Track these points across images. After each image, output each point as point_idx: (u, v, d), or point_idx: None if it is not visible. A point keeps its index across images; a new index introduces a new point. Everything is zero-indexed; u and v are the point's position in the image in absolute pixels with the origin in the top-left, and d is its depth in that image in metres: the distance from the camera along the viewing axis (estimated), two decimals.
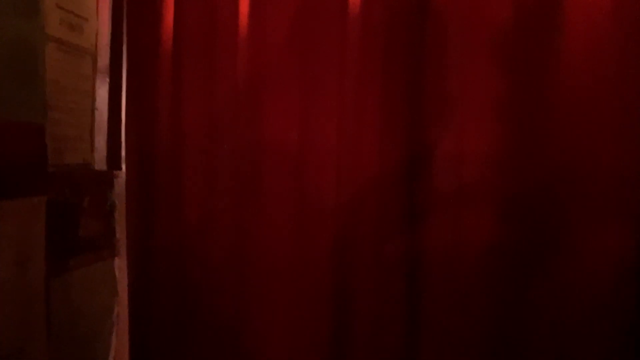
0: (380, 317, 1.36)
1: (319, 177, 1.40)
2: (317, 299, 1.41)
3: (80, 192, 1.32)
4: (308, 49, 1.42)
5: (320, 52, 1.41)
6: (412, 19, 1.34)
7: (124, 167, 1.51)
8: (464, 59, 1.31)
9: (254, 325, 1.46)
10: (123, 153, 1.51)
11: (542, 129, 1.27)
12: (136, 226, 1.52)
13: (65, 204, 1.25)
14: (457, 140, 1.32)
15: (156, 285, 1.52)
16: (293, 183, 1.42)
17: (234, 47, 1.45)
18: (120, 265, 1.48)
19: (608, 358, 1.22)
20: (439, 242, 1.32)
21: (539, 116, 1.27)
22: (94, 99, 1.38)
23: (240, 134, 1.46)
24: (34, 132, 1.13)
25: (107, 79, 1.43)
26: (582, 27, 1.24)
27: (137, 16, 1.50)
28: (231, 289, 1.48)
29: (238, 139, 1.46)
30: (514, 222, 1.28)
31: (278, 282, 1.44)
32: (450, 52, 1.32)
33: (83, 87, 1.35)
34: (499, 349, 1.29)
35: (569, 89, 1.25)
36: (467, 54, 1.31)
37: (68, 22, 1.27)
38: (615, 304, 1.22)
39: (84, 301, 1.33)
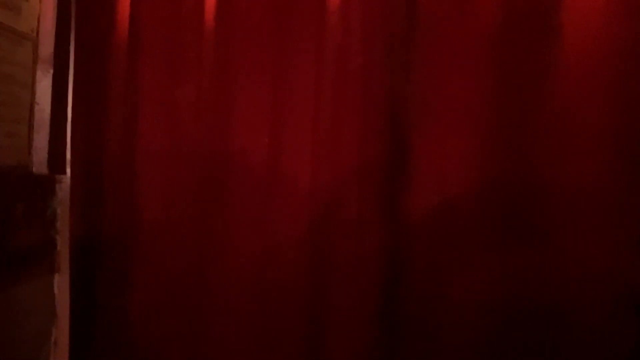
0: (357, 314, 1.34)
1: (293, 178, 1.37)
2: (291, 296, 1.37)
3: (13, 199, 1.25)
4: (282, 46, 1.38)
5: (295, 49, 1.37)
6: (396, 20, 1.32)
7: (68, 171, 1.43)
8: (449, 63, 1.30)
9: (216, 346, 1.38)
10: (68, 155, 1.43)
11: (527, 135, 1.27)
12: (81, 238, 1.43)
13: None
14: (439, 142, 1.31)
15: (102, 307, 1.43)
16: (264, 186, 1.38)
17: (199, 40, 1.41)
18: (60, 283, 1.39)
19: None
20: (417, 240, 1.32)
21: (524, 123, 1.26)
22: (33, 92, 1.31)
23: (204, 137, 1.41)
24: None
25: (51, 70, 1.37)
26: (574, 36, 1.23)
27: None
28: (190, 308, 1.41)
29: (201, 142, 1.41)
30: (494, 221, 1.28)
31: (246, 286, 1.38)
32: (435, 55, 1.30)
33: (20, 77, 1.26)
34: (477, 345, 1.29)
35: (557, 97, 1.24)
36: (453, 58, 1.30)
37: (3, 2, 1.15)
38: (602, 305, 1.22)
39: (15, 324, 1.25)
